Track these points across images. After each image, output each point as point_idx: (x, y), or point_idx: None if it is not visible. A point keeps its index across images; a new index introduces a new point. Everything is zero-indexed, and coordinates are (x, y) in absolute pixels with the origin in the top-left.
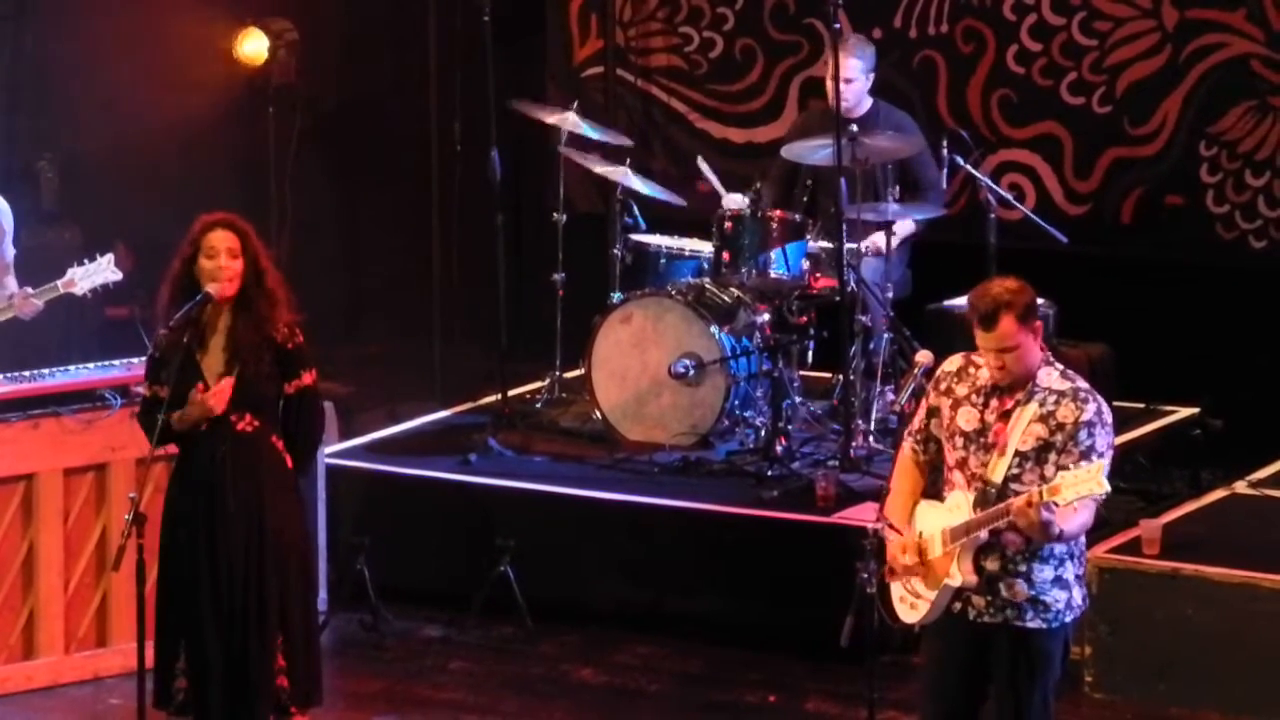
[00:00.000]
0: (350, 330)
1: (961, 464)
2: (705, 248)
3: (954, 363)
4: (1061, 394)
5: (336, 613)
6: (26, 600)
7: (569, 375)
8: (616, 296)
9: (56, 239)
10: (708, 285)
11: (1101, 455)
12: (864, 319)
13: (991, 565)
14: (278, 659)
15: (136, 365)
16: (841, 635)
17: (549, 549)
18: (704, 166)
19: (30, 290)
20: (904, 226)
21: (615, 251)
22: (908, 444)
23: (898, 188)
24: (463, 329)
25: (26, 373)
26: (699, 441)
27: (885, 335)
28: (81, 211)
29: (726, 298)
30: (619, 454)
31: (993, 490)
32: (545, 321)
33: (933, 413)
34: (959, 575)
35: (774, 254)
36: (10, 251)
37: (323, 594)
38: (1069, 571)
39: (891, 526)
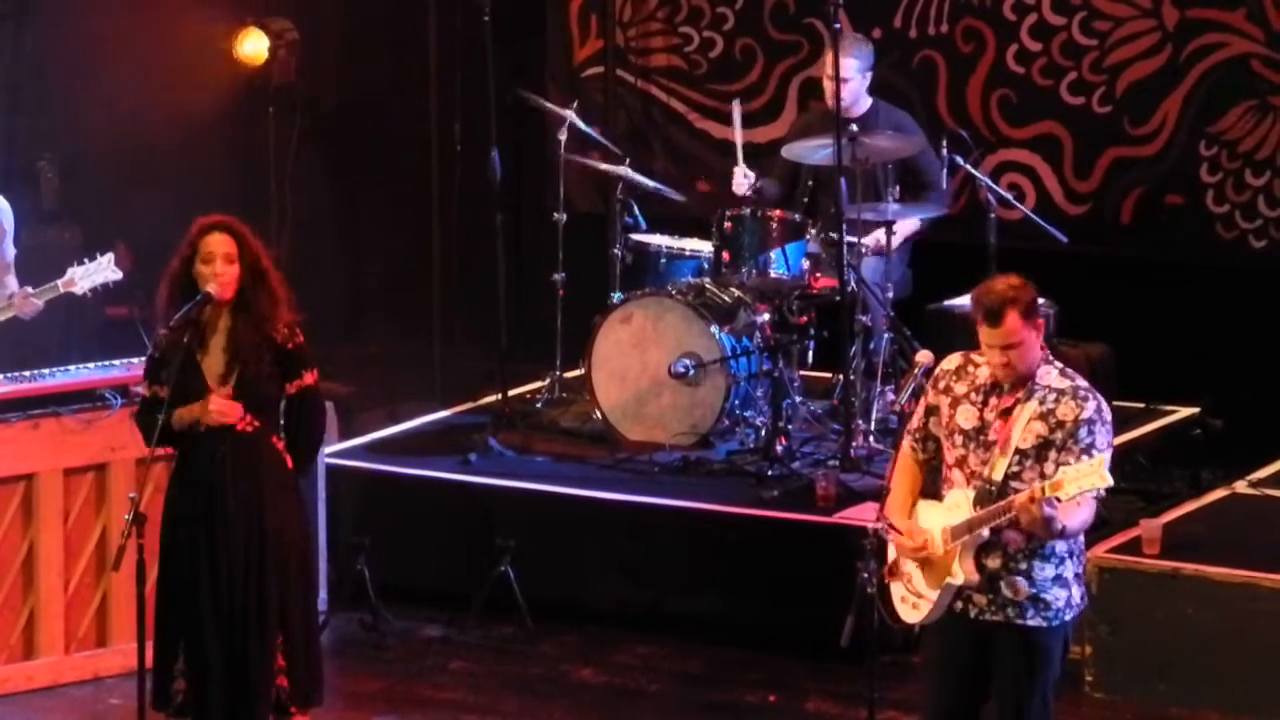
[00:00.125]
0: (350, 330)
1: (961, 462)
2: (705, 248)
3: (953, 361)
4: (1061, 392)
5: (336, 613)
6: (27, 600)
7: (569, 375)
8: (616, 296)
9: (56, 239)
10: (708, 285)
11: (1102, 452)
12: (864, 319)
13: (993, 563)
14: (278, 659)
15: (136, 365)
16: (842, 635)
17: (549, 549)
18: (737, 114)
19: (30, 290)
20: (908, 225)
21: (615, 251)
22: (906, 443)
23: (898, 188)
24: (463, 329)
25: (26, 372)
26: (699, 441)
27: (885, 335)
28: (81, 211)
29: (727, 297)
30: (619, 454)
31: (992, 488)
32: (545, 321)
33: (931, 411)
34: (961, 574)
35: (774, 254)
36: (10, 251)
37: (323, 594)
38: (1069, 570)
39: (892, 526)
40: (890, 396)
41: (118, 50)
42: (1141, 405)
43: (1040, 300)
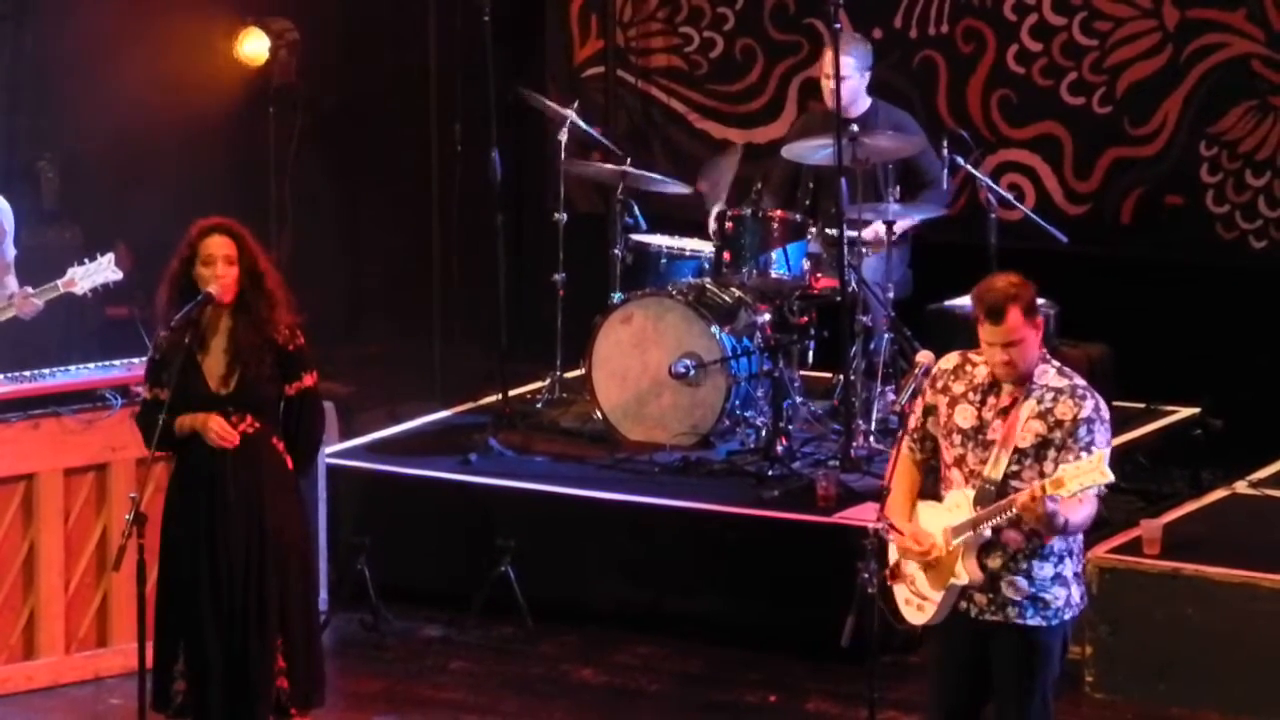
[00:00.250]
0: (350, 330)
1: (960, 461)
2: (706, 248)
3: (950, 360)
4: (1059, 391)
5: (337, 613)
6: (27, 600)
7: (569, 375)
8: (617, 296)
9: (57, 239)
10: (708, 285)
11: (1102, 450)
12: (865, 319)
13: (994, 563)
14: (278, 660)
15: (137, 365)
16: (842, 635)
17: (549, 549)
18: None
19: (30, 290)
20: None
21: (615, 251)
22: (905, 442)
23: (898, 188)
24: (463, 329)
25: (27, 372)
26: (699, 441)
27: (886, 335)
28: (81, 211)
29: (727, 298)
30: (619, 454)
31: (992, 487)
32: (545, 321)
33: (929, 411)
34: (965, 574)
35: (775, 254)
36: (11, 251)
37: (323, 594)
38: (1068, 569)
39: (892, 526)
40: (891, 397)
41: (118, 50)
42: (1141, 405)
43: (1040, 300)
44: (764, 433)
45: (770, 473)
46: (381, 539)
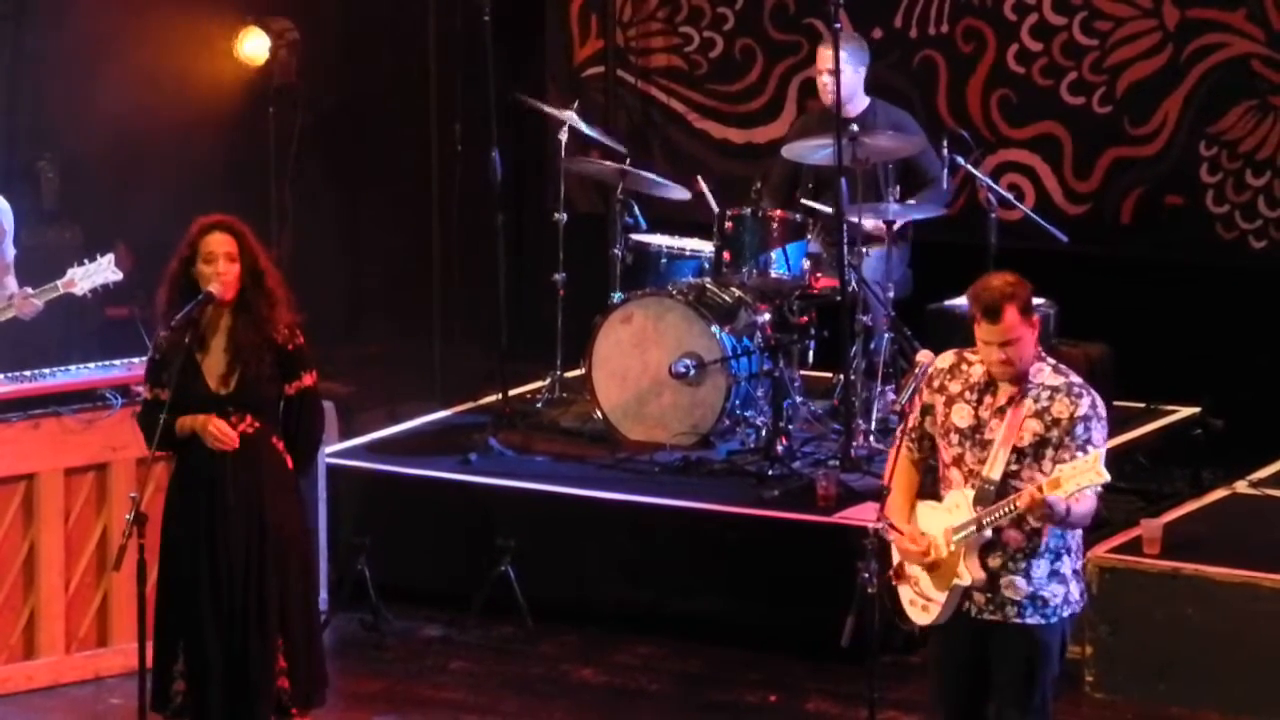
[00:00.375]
0: (350, 330)
1: (958, 461)
2: (706, 247)
3: (946, 359)
4: (1055, 389)
5: (337, 613)
6: (27, 600)
7: (569, 375)
8: (617, 296)
9: (57, 238)
10: (708, 285)
11: (1098, 448)
12: (865, 319)
13: (994, 562)
14: (279, 660)
15: (137, 365)
16: (842, 635)
17: (549, 549)
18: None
19: (30, 290)
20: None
21: (615, 251)
22: (903, 442)
23: (898, 188)
24: (463, 329)
25: (27, 372)
26: (700, 441)
27: (886, 335)
28: (81, 211)
29: (727, 297)
30: (620, 454)
31: (991, 487)
32: (545, 321)
33: (927, 410)
34: (967, 574)
35: (775, 254)
36: (10, 251)
37: (323, 594)
38: (1066, 566)
39: (893, 526)
40: (891, 396)
41: (118, 50)
42: (1142, 405)
43: (1040, 300)
44: (764, 432)
45: (770, 473)
46: (381, 539)
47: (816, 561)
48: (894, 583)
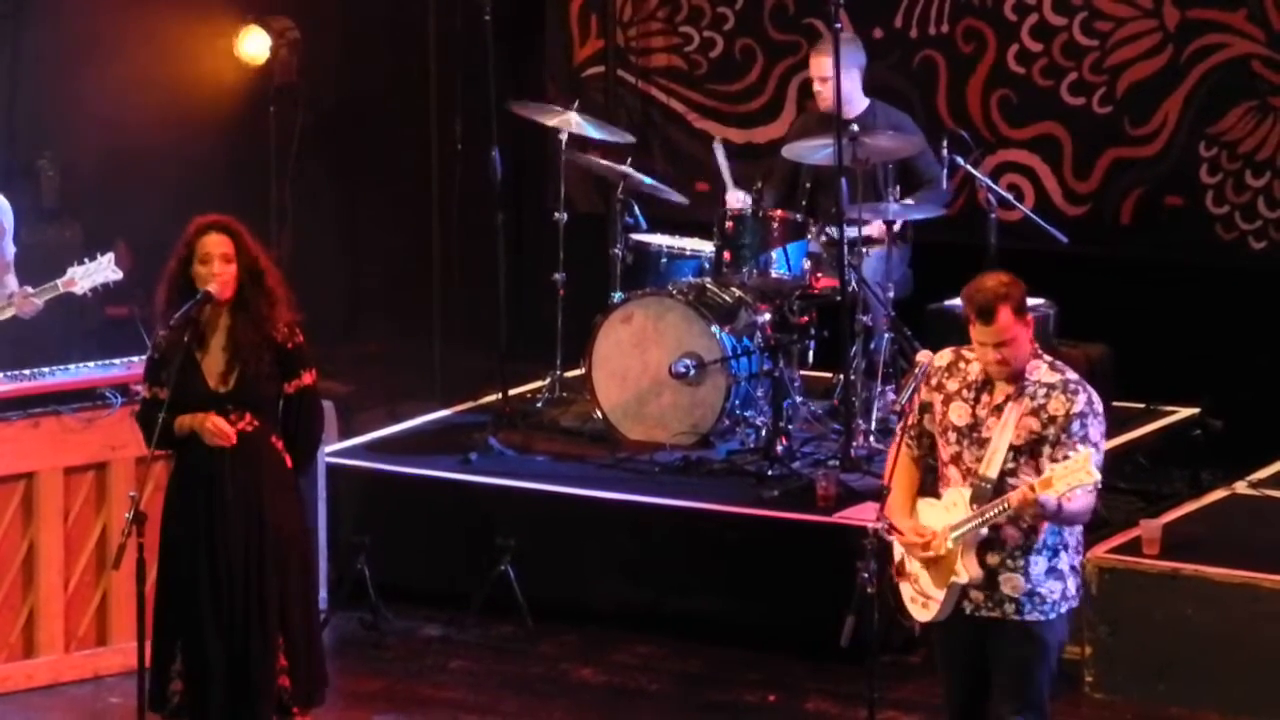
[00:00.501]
0: (350, 330)
1: (956, 459)
2: (706, 247)
3: (944, 357)
4: (1051, 386)
5: (336, 612)
6: (27, 599)
7: (569, 375)
8: (617, 296)
9: (57, 237)
10: (709, 285)
11: (1095, 444)
12: (865, 319)
13: (992, 560)
14: (279, 659)
15: (136, 364)
16: (842, 635)
17: (549, 549)
18: (719, 152)
19: (30, 289)
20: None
21: (615, 251)
22: (903, 440)
23: (898, 188)
24: (463, 329)
25: (27, 371)
26: (700, 441)
27: (886, 335)
28: (82, 210)
29: (727, 297)
30: (620, 453)
31: (988, 485)
32: (545, 321)
33: (925, 408)
34: (965, 572)
35: (775, 254)
36: (10, 250)
37: (323, 593)
38: (1063, 562)
39: (893, 526)
40: (891, 396)
41: (118, 49)
42: (1141, 405)
43: (1039, 300)
44: (764, 432)
45: (770, 472)
46: (381, 538)
47: (816, 561)
48: (896, 580)
